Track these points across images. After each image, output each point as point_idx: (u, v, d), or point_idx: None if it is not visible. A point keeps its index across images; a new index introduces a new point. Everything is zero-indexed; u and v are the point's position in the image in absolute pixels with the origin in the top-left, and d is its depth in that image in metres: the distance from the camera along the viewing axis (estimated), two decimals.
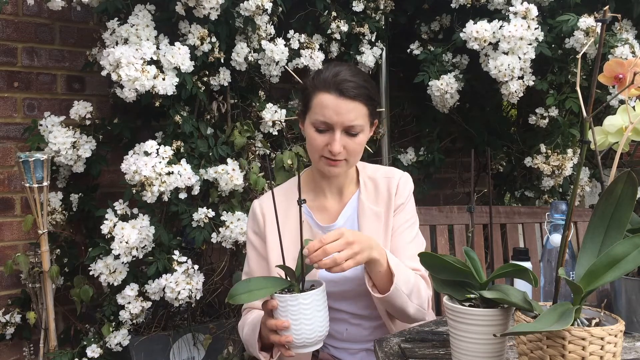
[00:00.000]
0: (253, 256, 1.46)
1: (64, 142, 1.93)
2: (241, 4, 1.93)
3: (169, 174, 1.82)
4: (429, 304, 1.39)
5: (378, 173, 1.49)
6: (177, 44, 1.87)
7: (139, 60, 1.78)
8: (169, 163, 1.85)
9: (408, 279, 1.28)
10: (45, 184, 1.89)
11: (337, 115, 1.30)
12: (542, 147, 2.39)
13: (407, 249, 1.41)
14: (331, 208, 1.47)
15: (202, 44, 1.91)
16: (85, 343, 1.95)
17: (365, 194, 1.46)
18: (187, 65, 1.86)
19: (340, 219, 1.44)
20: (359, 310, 1.40)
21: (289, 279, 1.14)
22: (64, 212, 2.06)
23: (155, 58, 1.83)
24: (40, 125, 2.00)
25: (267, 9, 1.95)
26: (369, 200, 1.44)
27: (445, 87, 2.27)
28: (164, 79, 1.82)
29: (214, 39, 1.94)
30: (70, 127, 1.99)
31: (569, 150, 2.38)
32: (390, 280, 1.25)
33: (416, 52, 2.41)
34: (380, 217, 1.43)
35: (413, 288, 1.30)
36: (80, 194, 2.11)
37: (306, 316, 1.11)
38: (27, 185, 1.87)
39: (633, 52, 2.16)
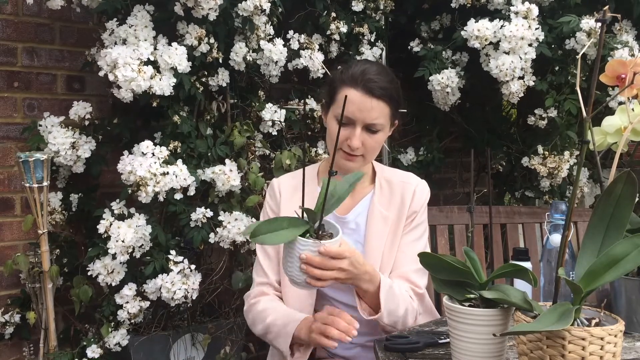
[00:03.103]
0: None
1: (63, 142, 1.93)
2: (239, 4, 1.92)
3: (164, 174, 1.82)
4: (417, 318, 1.40)
5: (395, 177, 1.51)
6: (174, 44, 1.86)
7: (136, 60, 1.78)
8: (165, 163, 1.85)
9: (393, 311, 1.29)
10: (45, 184, 1.89)
11: (360, 112, 1.33)
12: (540, 149, 2.39)
13: (411, 262, 1.42)
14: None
15: (199, 44, 1.91)
16: (85, 343, 1.95)
17: (379, 196, 1.47)
18: (184, 66, 1.86)
19: (351, 214, 1.47)
20: (354, 302, 1.41)
21: (307, 219, 1.14)
22: (63, 212, 2.06)
23: (152, 58, 1.83)
24: (40, 125, 2.00)
25: (265, 10, 1.95)
26: (380, 204, 1.46)
27: (446, 80, 2.27)
28: (160, 80, 1.81)
29: (212, 39, 1.94)
30: (70, 127, 1.99)
31: (566, 152, 2.39)
32: (377, 307, 1.28)
33: (416, 49, 2.41)
34: (388, 221, 1.44)
35: (398, 319, 1.31)
36: (80, 194, 2.10)
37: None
38: (27, 185, 1.86)
39: (632, 55, 2.16)
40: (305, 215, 1.14)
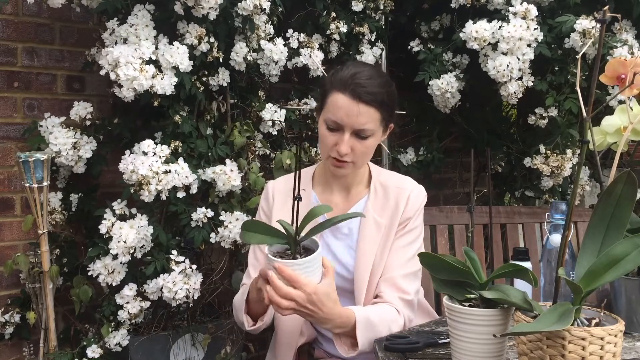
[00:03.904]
0: None
1: (64, 142, 1.93)
2: (239, 4, 1.92)
3: (166, 172, 1.82)
4: (405, 326, 1.37)
5: (391, 181, 1.48)
6: (176, 43, 1.86)
7: (138, 59, 1.78)
8: (166, 162, 1.85)
9: (373, 337, 1.25)
10: (45, 184, 1.89)
11: (348, 117, 1.30)
12: (542, 148, 2.39)
13: (400, 268, 1.41)
14: (337, 205, 1.47)
15: (199, 43, 1.91)
16: (85, 343, 1.95)
17: (373, 201, 1.45)
18: (185, 65, 1.86)
19: None
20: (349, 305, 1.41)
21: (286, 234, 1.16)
22: (63, 212, 2.06)
23: (154, 58, 1.83)
24: (41, 126, 2.00)
25: (265, 9, 1.95)
26: (374, 210, 1.44)
27: (445, 86, 2.27)
28: (162, 79, 1.81)
29: (212, 39, 1.94)
30: (71, 127, 1.99)
31: (568, 151, 2.38)
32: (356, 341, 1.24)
33: (416, 49, 2.41)
34: (381, 227, 1.42)
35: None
36: (80, 194, 2.10)
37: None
38: (27, 185, 1.86)
39: (632, 54, 2.16)
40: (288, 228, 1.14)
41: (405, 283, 1.39)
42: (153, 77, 1.80)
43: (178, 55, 1.84)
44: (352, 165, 1.38)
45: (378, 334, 1.26)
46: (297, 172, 1.14)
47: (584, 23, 2.10)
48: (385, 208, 1.44)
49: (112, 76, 1.79)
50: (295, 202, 1.13)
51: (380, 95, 1.32)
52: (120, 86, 1.80)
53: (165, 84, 1.82)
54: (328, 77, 1.38)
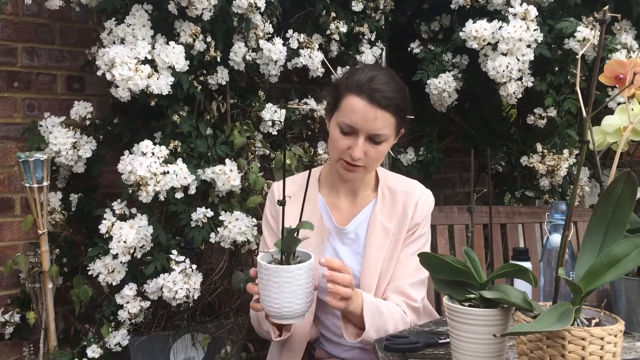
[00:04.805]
0: (268, 236, 1.47)
1: (64, 142, 1.93)
2: (234, 2, 1.91)
3: (164, 173, 1.82)
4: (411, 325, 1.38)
5: (398, 185, 1.46)
6: (172, 43, 1.86)
7: (133, 59, 1.77)
8: (165, 162, 1.85)
9: (381, 327, 1.27)
10: (45, 184, 1.89)
11: (364, 121, 1.29)
12: (539, 147, 2.39)
13: (408, 276, 1.40)
14: (344, 209, 1.46)
15: (194, 41, 1.90)
16: (85, 343, 1.95)
17: (381, 206, 1.43)
18: (181, 65, 1.86)
19: (352, 224, 1.44)
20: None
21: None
22: (63, 212, 2.06)
23: (150, 57, 1.82)
24: (41, 126, 2.00)
25: (260, 7, 1.93)
26: (382, 214, 1.42)
27: (443, 85, 2.27)
28: (158, 79, 1.81)
29: (209, 38, 1.94)
30: (71, 127, 1.99)
31: (565, 151, 2.39)
32: (361, 326, 1.26)
33: (416, 50, 2.41)
34: (389, 233, 1.41)
35: (387, 331, 1.28)
36: (80, 194, 2.11)
37: (287, 288, 1.10)
38: (27, 185, 1.86)
39: (630, 57, 2.16)
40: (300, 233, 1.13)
41: (413, 291, 1.39)
42: (149, 77, 1.79)
43: (174, 55, 1.84)
44: (364, 169, 1.36)
45: (384, 324, 1.26)
46: (284, 182, 1.16)
47: (585, 32, 2.09)
48: (393, 213, 1.42)
49: (108, 76, 1.79)
50: (283, 206, 1.12)
51: (396, 100, 1.31)
52: (117, 86, 1.80)
53: (162, 84, 1.81)
54: (342, 79, 1.36)
